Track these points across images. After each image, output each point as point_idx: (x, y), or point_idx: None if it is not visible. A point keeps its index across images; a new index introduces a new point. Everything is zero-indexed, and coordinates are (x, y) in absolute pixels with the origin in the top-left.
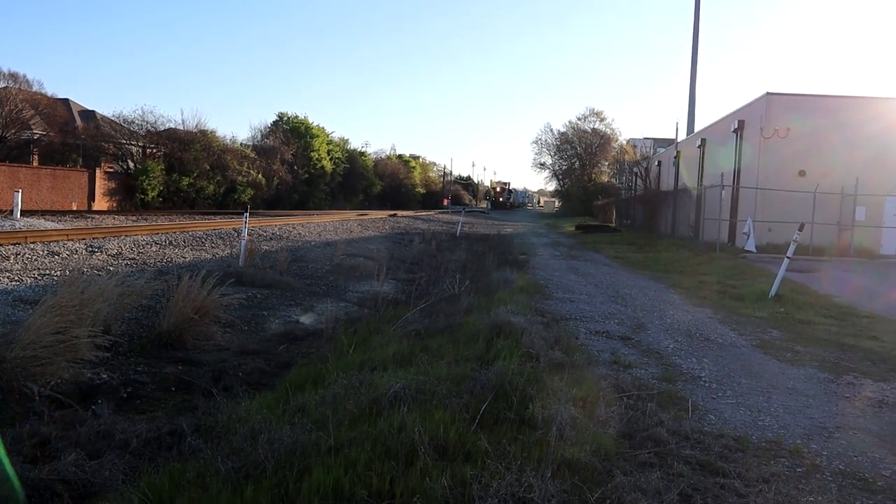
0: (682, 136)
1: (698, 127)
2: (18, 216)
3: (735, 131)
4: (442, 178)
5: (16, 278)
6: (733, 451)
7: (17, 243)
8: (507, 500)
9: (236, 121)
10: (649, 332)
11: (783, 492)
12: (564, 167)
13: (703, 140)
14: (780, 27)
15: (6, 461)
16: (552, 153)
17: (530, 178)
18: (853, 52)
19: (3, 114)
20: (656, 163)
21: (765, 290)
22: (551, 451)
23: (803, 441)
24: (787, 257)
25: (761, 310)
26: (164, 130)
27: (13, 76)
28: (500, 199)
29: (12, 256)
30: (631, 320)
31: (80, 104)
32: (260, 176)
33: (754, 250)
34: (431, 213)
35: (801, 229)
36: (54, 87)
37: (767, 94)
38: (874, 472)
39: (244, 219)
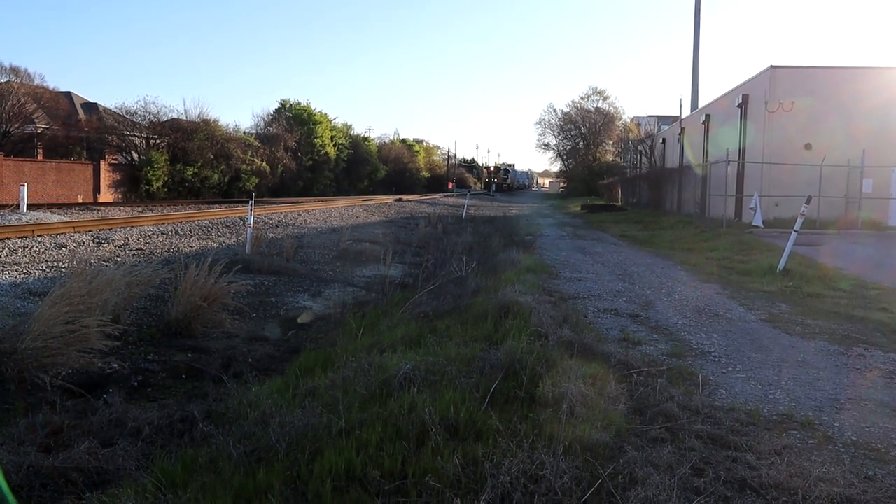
0: (686, 112)
1: (702, 103)
2: (25, 210)
3: (739, 106)
4: (446, 162)
5: (24, 271)
6: (745, 425)
7: (24, 236)
8: (519, 478)
9: (239, 109)
10: (657, 309)
11: (795, 464)
12: (568, 147)
13: (708, 116)
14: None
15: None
16: (556, 133)
17: (535, 159)
18: (857, 23)
19: (6, 108)
20: (661, 140)
21: (773, 264)
22: (562, 429)
23: (815, 413)
24: (795, 231)
25: (770, 284)
26: (167, 121)
27: (14, 70)
28: (496, 180)
29: (20, 250)
30: (639, 298)
31: (83, 97)
32: (264, 164)
33: (761, 225)
34: (436, 196)
35: (808, 203)
36: (56, 81)
37: (771, 67)
38: (887, 442)
39: (249, 207)
